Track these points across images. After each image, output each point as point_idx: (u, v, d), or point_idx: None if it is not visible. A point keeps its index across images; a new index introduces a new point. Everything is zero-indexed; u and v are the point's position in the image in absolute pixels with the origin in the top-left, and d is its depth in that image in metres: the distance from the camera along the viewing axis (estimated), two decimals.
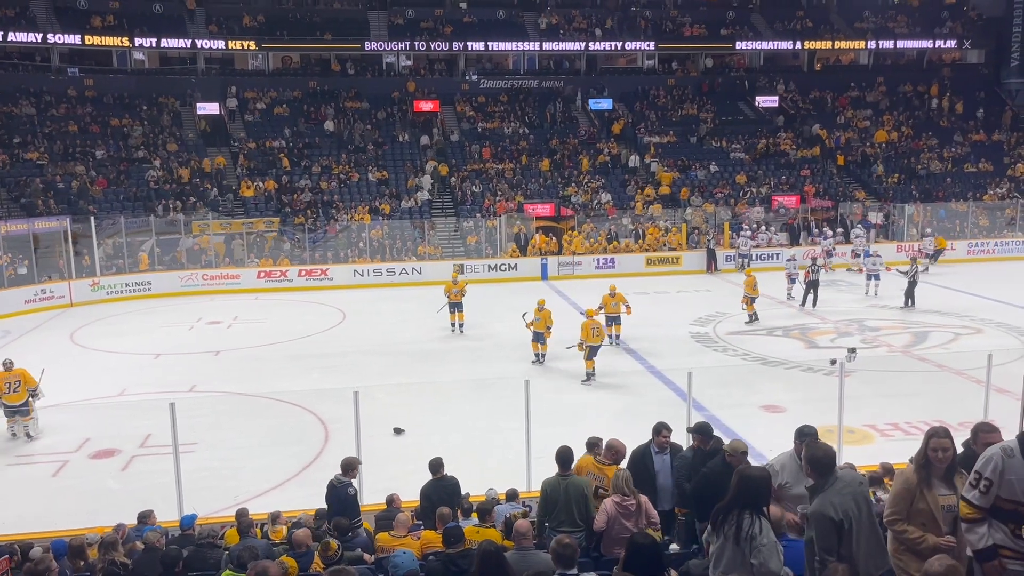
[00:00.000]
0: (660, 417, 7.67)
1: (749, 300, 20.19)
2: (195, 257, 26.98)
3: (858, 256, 27.20)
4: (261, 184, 30.37)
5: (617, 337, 17.87)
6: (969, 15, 41.27)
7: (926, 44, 40.23)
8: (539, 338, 16.70)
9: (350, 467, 8.28)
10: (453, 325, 20.03)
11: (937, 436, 4.22)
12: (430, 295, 24.85)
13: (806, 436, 5.26)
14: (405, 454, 11.47)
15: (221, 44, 35.08)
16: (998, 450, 3.90)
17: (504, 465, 10.81)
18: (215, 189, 29.84)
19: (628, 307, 17.68)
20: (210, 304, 24.39)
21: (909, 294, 21.25)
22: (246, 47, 35.49)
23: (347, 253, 27.79)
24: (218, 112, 33.43)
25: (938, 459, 4.17)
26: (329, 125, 33.89)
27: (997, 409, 10.26)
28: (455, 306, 20.01)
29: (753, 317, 20.13)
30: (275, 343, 19.29)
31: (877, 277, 23.21)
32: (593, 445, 7.54)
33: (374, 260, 27.54)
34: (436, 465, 8.29)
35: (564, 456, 6.87)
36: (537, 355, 16.76)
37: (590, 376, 15.37)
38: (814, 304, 21.65)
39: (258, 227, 28.32)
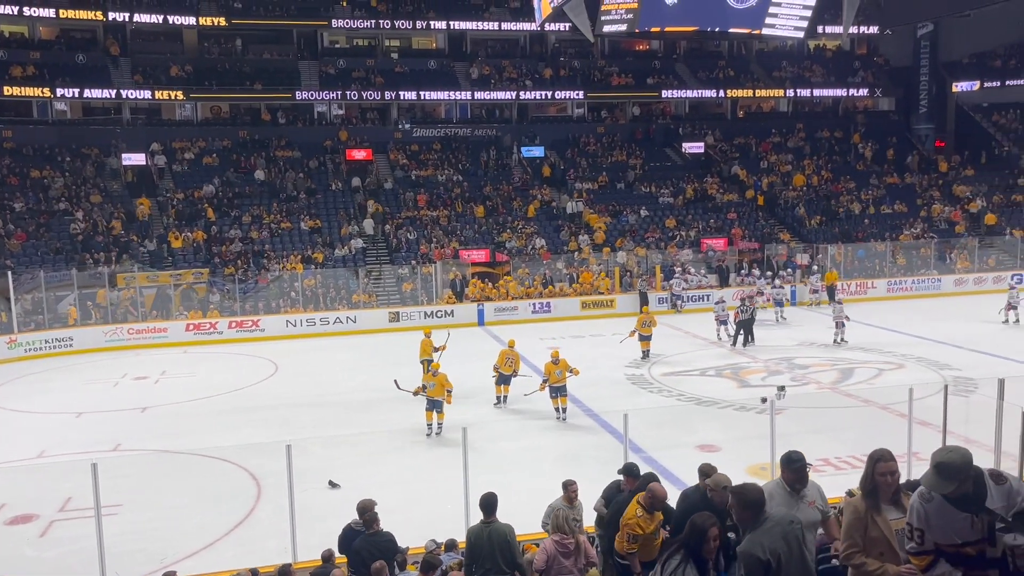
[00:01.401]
0: (599, 461, 7.73)
1: (641, 337, 21.01)
2: (120, 311, 26.16)
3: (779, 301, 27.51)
4: (190, 235, 29.79)
5: (564, 410, 15.82)
6: (879, 65, 43.49)
7: (840, 92, 42.19)
8: (504, 380, 17.08)
9: (366, 509, 8.19)
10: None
11: (883, 460, 4.18)
12: (365, 344, 24.69)
13: (795, 463, 5.10)
14: (341, 508, 11.16)
15: (147, 94, 34.58)
16: (916, 497, 3.86)
17: (443, 515, 10.65)
18: (145, 241, 29.14)
19: (574, 369, 15.86)
20: (136, 359, 23.62)
21: (747, 330, 22.19)
22: (174, 97, 35.05)
23: (279, 303, 27.34)
24: (144, 163, 32.82)
25: (887, 483, 4.13)
26: (260, 174, 33.57)
27: (920, 442, 10.58)
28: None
29: (647, 355, 21.00)
30: (205, 397, 18.75)
31: (781, 304, 25.82)
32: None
33: (307, 310, 27.14)
34: (370, 520, 8.13)
35: (488, 503, 6.92)
36: (499, 398, 17.21)
37: (500, 400, 17.04)
38: (745, 344, 22.13)
39: (186, 279, 27.68)
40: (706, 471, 6.62)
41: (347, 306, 27.62)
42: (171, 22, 35.56)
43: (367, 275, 28.87)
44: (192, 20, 35.82)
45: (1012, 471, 10.45)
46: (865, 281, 30.55)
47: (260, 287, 27.62)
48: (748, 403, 15.99)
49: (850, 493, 7.07)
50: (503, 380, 17.12)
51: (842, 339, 22.05)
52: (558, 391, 15.81)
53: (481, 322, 27.35)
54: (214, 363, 22.98)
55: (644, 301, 28.62)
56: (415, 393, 15.25)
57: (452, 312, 27.37)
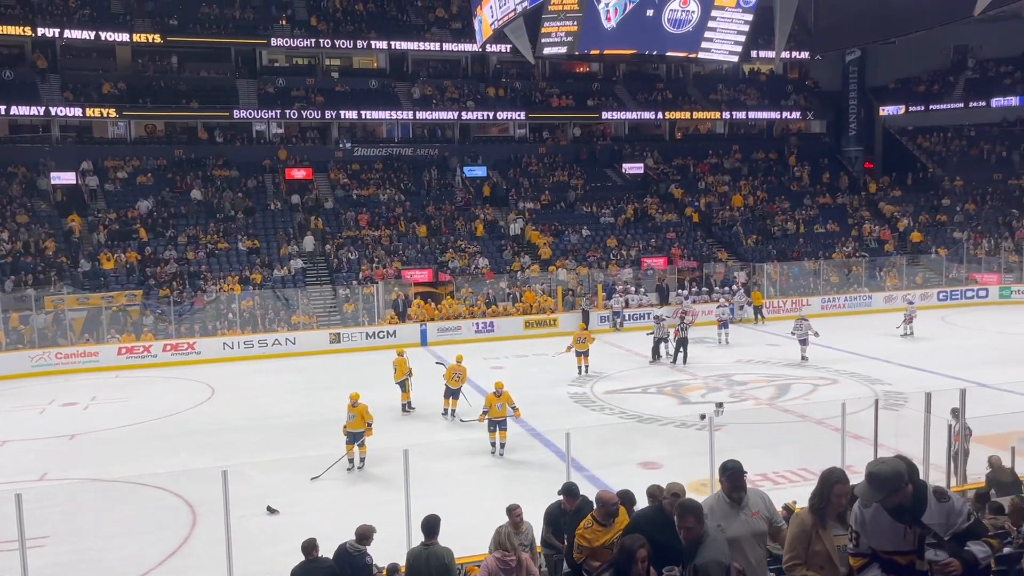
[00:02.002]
0: (542, 480, 7.73)
1: (577, 353, 21.52)
2: (50, 335, 25.26)
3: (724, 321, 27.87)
4: (123, 256, 28.99)
5: (502, 446, 14.91)
6: (811, 89, 44.88)
7: (774, 115, 43.38)
8: (452, 394, 17.46)
9: (365, 536, 8.07)
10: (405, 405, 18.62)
11: (841, 483, 4.25)
12: (305, 366, 24.29)
13: (727, 470, 5.04)
14: (280, 534, 10.96)
15: (78, 111, 33.64)
16: (857, 502, 3.99)
17: (385, 538, 10.48)
18: (81, 261, 28.26)
19: (516, 409, 15.13)
20: (65, 384, 22.80)
21: (683, 348, 22.64)
22: (106, 114, 34.19)
23: (215, 325, 26.73)
24: (75, 182, 31.87)
25: (840, 504, 4.22)
26: (196, 193, 32.90)
27: (852, 455, 10.83)
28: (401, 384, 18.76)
29: (584, 370, 21.48)
30: (137, 423, 18.19)
31: (726, 326, 25.72)
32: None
33: (245, 332, 26.61)
34: (308, 547, 7.95)
35: (429, 525, 6.89)
36: (446, 410, 17.63)
37: (447, 412, 17.55)
38: (684, 361, 22.45)
39: (119, 301, 26.89)
40: (654, 493, 6.62)
41: (286, 328, 27.16)
42: (103, 38, 34.71)
43: (307, 296, 28.46)
44: (125, 37, 35.02)
45: (940, 482, 10.79)
46: (800, 299, 31.31)
47: (196, 309, 26.99)
48: (689, 420, 16.20)
49: (787, 507, 7.19)
50: (451, 394, 17.49)
51: (805, 356, 22.38)
52: (497, 424, 14.83)
53: (424, 342, 27.19)
54: (147, 387, 22.32)
55: (587, 319, 28.90)
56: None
57: (394, 332, 27.13)
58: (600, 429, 15.95)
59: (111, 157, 34.11)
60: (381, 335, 26.96)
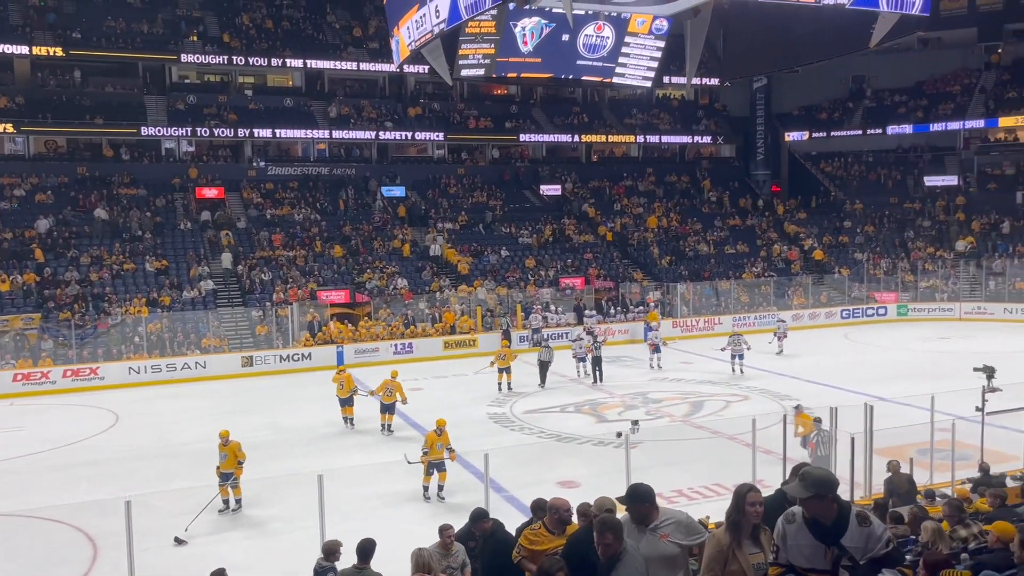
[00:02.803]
0: (461, 502, 7.66)
1: (499, 370, 21.94)
2: None
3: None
4: (19, 277, 27.60)
5: (440, 488, 13.62)
6: (720, 114, 46.41)
7: (686, 139, 44.66)
8: (388, 409, 17.76)
9: (332, 552, 7.88)
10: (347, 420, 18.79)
11: (753, 490, 4.38)
12: (216, 390, 23.55)
13: (629, 498, 4.98)
14: (189, 567, 10.52)
15: None
16: (781, 517, 4.08)
17: (300, 567, 10.20)
18: None
19: (452, 451, 13.70)
20: None
21: (597, 366, 23.02)
22: (3, 129, 32.62)
23: (120, 350, 25.68)
24: None
25: (755, 513, 4.31)
26: (101, 213, 31.64)
27: (763, 470, 11.14)
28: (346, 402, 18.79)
29: (506, 387, 21.95)
30: (34, 453, 17.26)
31: (659, 350, 25.16)
32: (538, 508, 6.81)
33: (152, 356, 25.64)
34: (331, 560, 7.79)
35: (364, 549, 6.76)
36: (383, 425, 17.89)
37: (384, 427, 17.85)
38: (600, 379, 22.76)
39: (14, 324, 25.54)
40: (584, 511, 6.52)
41: (196, 351, 26.30)
42: (1, 51, 33.20)
43: (218, 318, 27.65)
44: (24, 49, 33.52)
45: (843, 494, 11.18)
46: (712, 317, 32.15)
47: (100, 332, 25.88)
48: (606, 438, 16.37)
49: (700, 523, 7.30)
50: (386, 409, 17.80)
51: (740, 370, 23.29)
52: (435, 467, 13.50)
53: (340, 364, 26.67)
54: (46, 415, 21.23)
55: (508, 338, 28.95)
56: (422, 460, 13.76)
57: (310, 355, 26.61)
58: (519, 449, 15.95)
59: (7, 174, 32.56)
60: (295, 358, 26.39)
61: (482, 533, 7.16)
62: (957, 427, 12.88)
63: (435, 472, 13.55)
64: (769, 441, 12.34)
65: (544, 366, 22.82)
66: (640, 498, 4.93)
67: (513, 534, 6.97)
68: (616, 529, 4.58)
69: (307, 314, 28.12)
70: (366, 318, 29.01)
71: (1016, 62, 42.55)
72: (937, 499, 9.35)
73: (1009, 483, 10.25)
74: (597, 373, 22.96)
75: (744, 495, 4.41)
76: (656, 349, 25.14)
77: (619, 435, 14.05)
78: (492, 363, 22.21)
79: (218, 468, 13.40)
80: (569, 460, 15.44)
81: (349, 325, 28.40)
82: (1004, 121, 40.47)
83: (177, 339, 26.47)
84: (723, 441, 15.91)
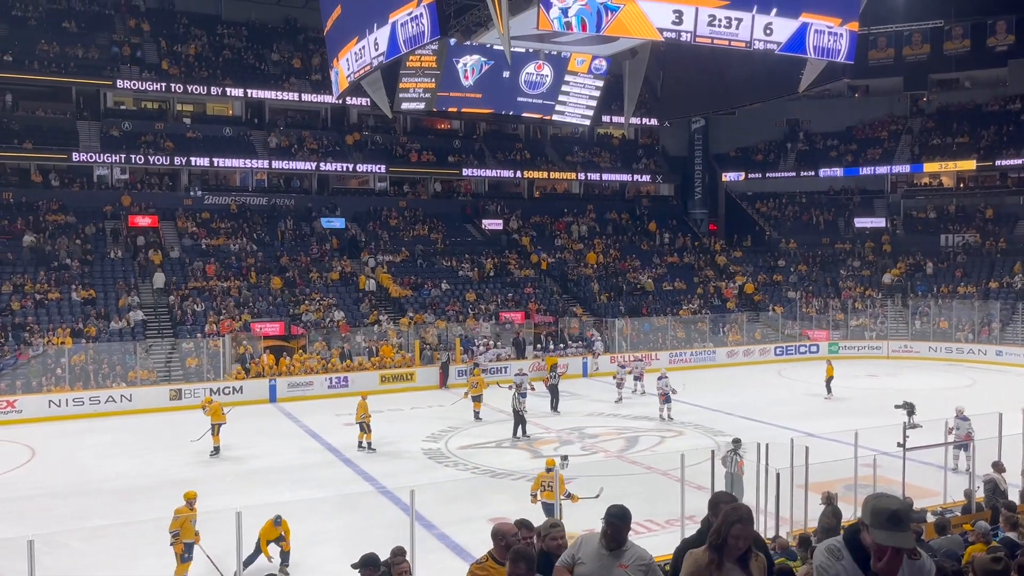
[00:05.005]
0: (387, 538, 7.50)
1: (473, 398, 22.53)
2: None
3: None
4: None
5: None
6: (660, 154, 47.36)
7: (626, 177, 45.41)
8: (363, 427, 19.00)
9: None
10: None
11: (742, 522, 3.89)
12: (142, 424, 22.75)
13: (610, 518, 4.86)
14: None
15: None
16: (823, 552, 3.53)
17: None
18: None
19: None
20: None
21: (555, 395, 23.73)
22: None
23: (41, 382, 24.66)
24: None
25: (738, 547, 3.88)
26: (28, 239, 30.57)
27: (693, 505, 11.14)
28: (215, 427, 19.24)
29: (477, 415, 22.51)
30: None
31: (669, 400, 22.86)
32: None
33: (75, 388, 24.68)
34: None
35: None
36: (361, 443, 19.08)
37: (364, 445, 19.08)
38: (555, 407, 23.57)
39: None
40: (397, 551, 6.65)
41: (123, 384, 25.41)
42: None
43: (146, 350, 26.82)
44: None
45: (771, 530, 11.25)
46: (649, 353, 32.38)
47: (19, 364, 24.84)
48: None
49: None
50: (364, 428, 19.12)
51: (668, 415, 21.91)
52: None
53: (273, 399, 26.10)
54: None
55: (446, 372, 28.72)
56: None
57: (241, 388, 25.93)
58: (450, 485, 15.72)
59: None
60: (226, 391, 25.66)
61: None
62: (883, 462, 13.17)
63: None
64: (700, 476, 12.39)
65: (552, 390, 23.63)
66: (624, 518, 4.85)
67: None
68: (529, 560, 4.49)
69: (240, 346, 27.47)
70: (300, 351, 28.47)
71: (940, 110, 44.55)
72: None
73: (929, 518, 10.45)
74: (554, 401, 23.72)
75: (731, 525, 3.89)
76: (667, 400, 22.24)
77: (549, 471, 13.95)
78: (466, 394, 22.84)
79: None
80: (500, 496, 15.24)
81: (287, 357, 27.79)
82: (929, 166, 42.24)
83: (102, 371, 25.56)
84: (656, 476, 15.93)
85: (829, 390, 25.76)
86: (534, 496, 13.03)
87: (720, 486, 11.90)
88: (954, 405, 16.86)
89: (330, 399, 26.01)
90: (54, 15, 36.96)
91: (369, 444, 19.20)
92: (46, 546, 8.56)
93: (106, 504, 15.32)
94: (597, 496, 11.28)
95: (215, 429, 19.10)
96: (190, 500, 11.80)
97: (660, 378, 22.58)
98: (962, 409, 16.44)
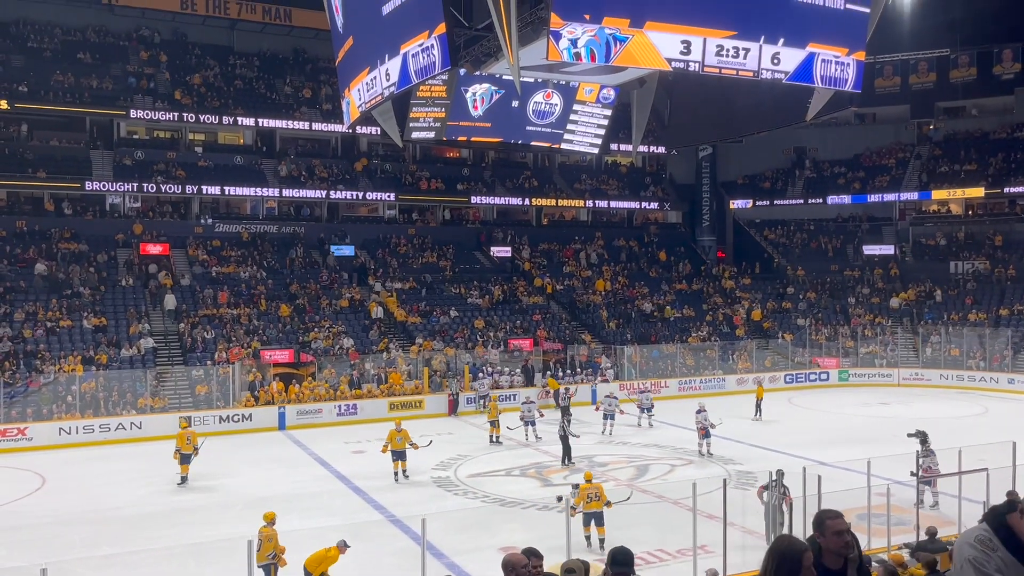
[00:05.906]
0: (397, 567, 7.43)
1: (491, 423, 22.80)
2: None
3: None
4: None
5: (602, 542, 13.59)
6: (667, 181, 47.55)
7: (634, 205, 45.55)
8: (399, 456, 18.77)
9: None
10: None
11: (831, 517, 3.70)
12: (151, 452, 22.74)
13: (613, 560, 4.99)
14: None
15: None
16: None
17: None
18: None
19: (609, 503, 13.95)
20: None
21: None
22: None
23: (52, 409, 24.73)
24: None
25: (842, 544, 3.61)
26: (41, 267, 30.82)
27: (704, 535, 11.07)
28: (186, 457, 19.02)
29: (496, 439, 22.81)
30: None
31: (612, 417, 24.43)
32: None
33: (85, 416, 24.73)
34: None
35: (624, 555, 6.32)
36: (397, 472, 18.83)
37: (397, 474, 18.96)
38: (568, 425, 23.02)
39: None
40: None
41: (133, 411, 25.46)
42: None
43: (156, 377, 26.89)
44: None
45: None
46: (659, 380, 32.32)
47: (30, 391, 24.93)
48: (550, 502, 16.13)
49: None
50: (398, 456, 18.80)
51: (708, 452, 20.89)
52: (595, 518, 13.68)
53: (282, 426, 26.10)
54: None
55: (456, 400, 28.71)
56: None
57: (250, 416, 25.95)
58: (460, 514, 15.65)
59: None
60: (236, 418, 25.70)
61: None
62: (898, 492, 13.05)
63: (593, 523, 13.78)
64: (711, 506, 12.31)
65: (564, 411, 23.16)
66: (622, 562, 4.91)
67: None
68: None
69: (249, 374, 27.52)
70: (309, 378, 28.49)
71: (948, 138, 44.68)
72: (874, 564, 9.38)
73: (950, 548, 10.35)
74: (564, 420, 22.89)
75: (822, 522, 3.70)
76: (707, 434, 21.10)
77: (559, 499, 13.89)
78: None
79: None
80: (510, 525, 15.17)
81: (296, 384, 27.80)
82: (937, 194, 42.28)
83: (112, 399, 25.63)
84: (667, 505, 15.83)
85: (758, 411, 26.53)
86: (573, 509, 13.05)
87: (733, 516, 11.80)
88: (907, 432, 16.48)
89: (339, 426, 26.01)
90: (69, 46, 37.56)
91: (404, 471, 18.98)
92: (57, 574, 8.54)
93: (116, 532, 15.31)
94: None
95: (185, 458, 18.73)
96: (271, 520, 12.01)
97: (699, 411, 21.23)
98: (926, 439, 15.80)
